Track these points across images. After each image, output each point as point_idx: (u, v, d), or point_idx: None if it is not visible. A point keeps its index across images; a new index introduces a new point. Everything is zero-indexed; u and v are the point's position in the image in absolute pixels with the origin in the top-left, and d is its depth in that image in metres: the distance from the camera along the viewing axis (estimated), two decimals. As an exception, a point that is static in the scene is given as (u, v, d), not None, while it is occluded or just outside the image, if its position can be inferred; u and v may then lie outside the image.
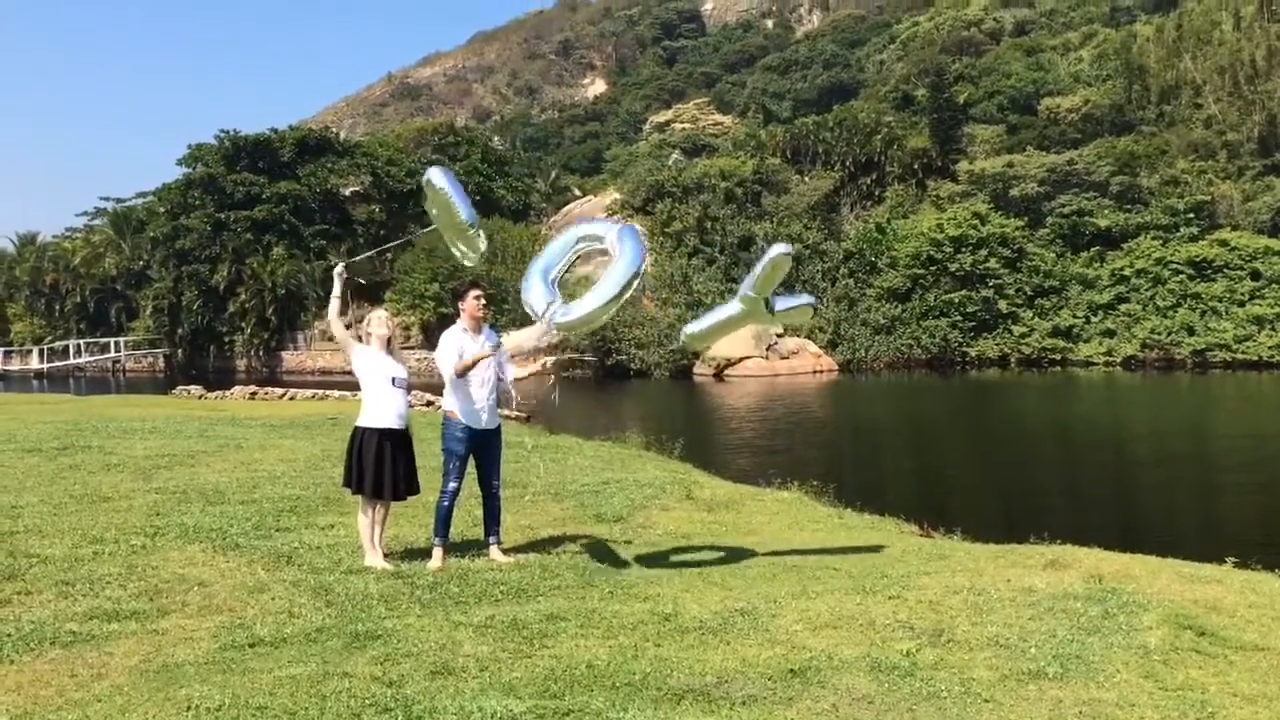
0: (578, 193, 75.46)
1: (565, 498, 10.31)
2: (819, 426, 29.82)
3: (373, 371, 7.36)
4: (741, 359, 46.74)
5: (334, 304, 7.64)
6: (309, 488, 10.24)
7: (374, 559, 7.22)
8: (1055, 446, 25.40)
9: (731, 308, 7.78)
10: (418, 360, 48.85)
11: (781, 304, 7.90)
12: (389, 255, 61.71)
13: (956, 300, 51.06)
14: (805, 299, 8.62)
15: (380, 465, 7.22)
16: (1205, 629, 5.82)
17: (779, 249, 7.55)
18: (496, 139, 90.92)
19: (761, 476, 14.08)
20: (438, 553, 7.36)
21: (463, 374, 7.41)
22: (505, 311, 54.34)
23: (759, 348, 47.27)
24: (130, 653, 5.28)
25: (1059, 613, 6.07)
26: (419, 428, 7.69)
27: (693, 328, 8.09)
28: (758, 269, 7.57)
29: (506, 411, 7.79)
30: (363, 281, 56.07)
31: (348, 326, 7.88)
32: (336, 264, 7.41)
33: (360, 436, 7.30)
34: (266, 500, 9.55)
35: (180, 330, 65.15)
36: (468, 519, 8.40)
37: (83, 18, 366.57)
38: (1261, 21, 55.78)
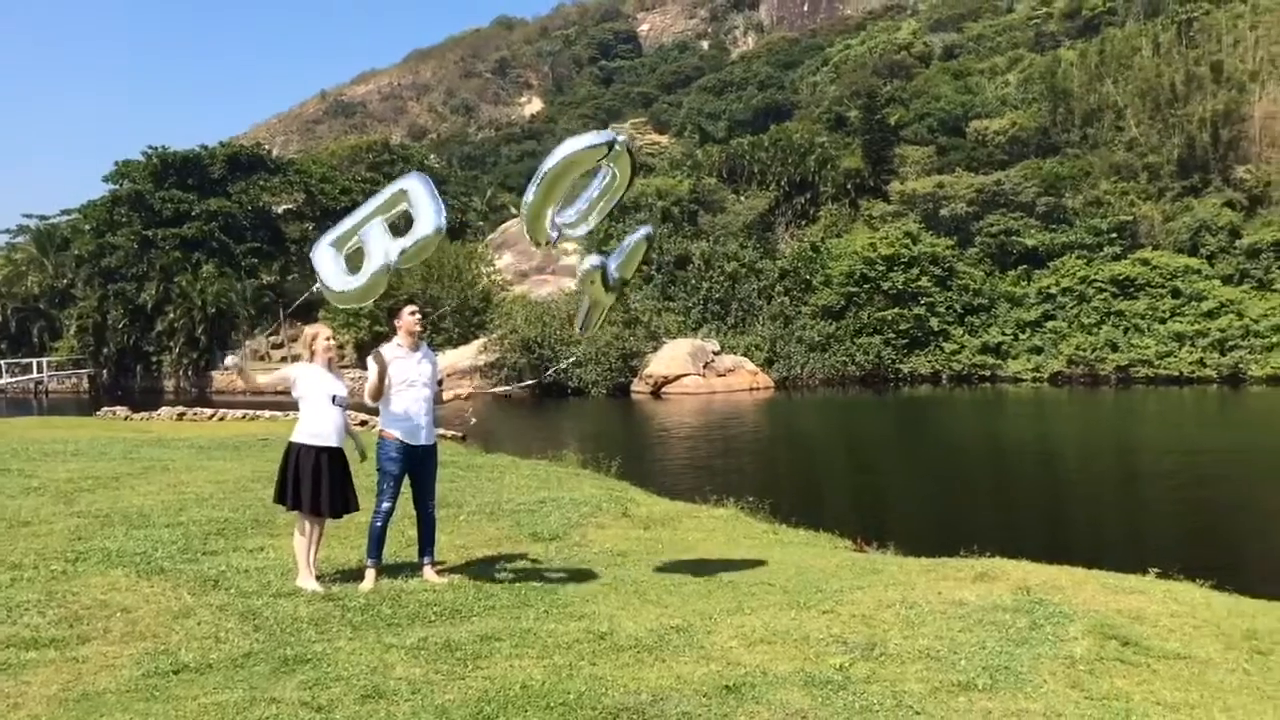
0: (515, 211, 75.26)
1: (501, 517, 10.25)
2: (755, 443, 30.00)
3: (313, 388, 7.26)
4: (679, 376, 46.89)
5: (249, 377, 7.85)
6: (238, 510, 10.05)
7: (307, 580, 7.09)
8: (985, 461, 25.85)
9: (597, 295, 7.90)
10: (351, 379, 48.36)
11: (615, 261, 7.88)
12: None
13: (889, 318, 51.81)
14: (638, 234, 8.42)
15: (318, 481, 7.11)
16: (1129, 638, 5.95)
17: (644, 230, 7.57)
18: (433, 157, 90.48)
19: (698, 493, 14.13)
20: (370, 574, 7.27)
21: (376, 397, 7.36)
22: (442, 330, 54.00)
23: (696, 365, 47.48)
24: (49, 681, 5.13)
25: (988, 624, 6.16)
26: (351, 450, 7.58)
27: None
28: (626, 248, 7.63)
29: (442, 430, 7.72)
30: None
31: (277, 346, 7.77)
32: (228, 359, 7.57)
33: (297, 452, 7.16)
34: (193, 523, 9.35)
35: (106, 350, 63.68)
36: (401, 539, 8.31)
37: (4, 29, 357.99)
38: (1180, 47, 57.59)
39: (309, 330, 7.49)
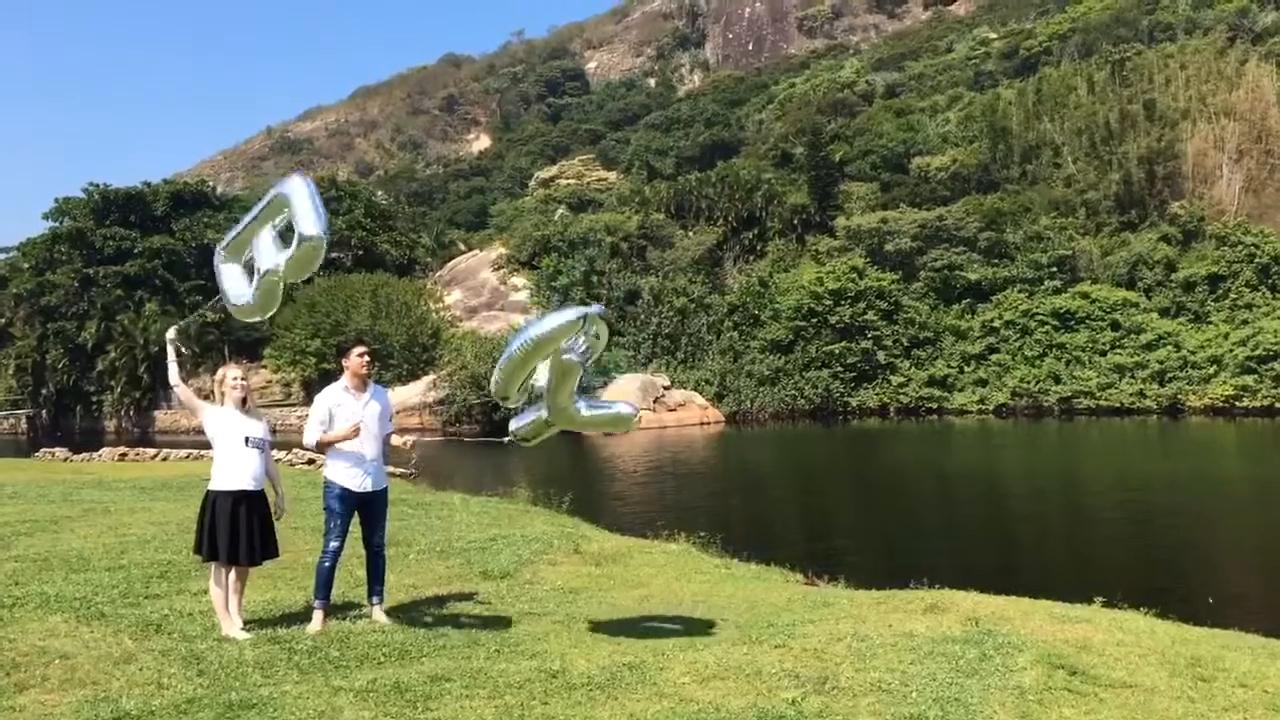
0: (463, 247, 75.20)
1: (451, 555, 10.15)
2: (706, 478, 30.02)
3: (225, 431, 7.03)
4: (629, 412, 46.80)
5: (172, 369, 7.33)
6: (181, 552, 9.84)
7: (232, 629, 6.85)
8: (934, 493, 26.07)
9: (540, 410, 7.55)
10: (298, 418, 47.70)
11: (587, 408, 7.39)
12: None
13: (837, 351, 52.30)
14: (622, 408, 7.60)
15: (235, 529, 6.87)
16: (1076, 668, 6.03)
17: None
18: (380, 193, 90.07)
19: (649, 529, 14.11)
20: (318, 615, 7.13)
21: (323, 449, 7.26)
22: (390, 367, 53.55)
23: (647, 400, 47.50)
24: (-17, 733, 4.97)
25: (938, 656, 6.21)
26: (299, 487, 7.47)
27: (517, 425, 7.80)
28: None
29: (391, 469, 7.59)
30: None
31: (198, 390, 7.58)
32: (169, 330, 7.31)
33: (213, 500, 6.93)
34: (135, 566, 9.15)
35: (45, 390, 62.47)
36: (349, 579, 8.19)
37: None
38: (1114, 86, 59.25)
39: (219, 371, 7.26)
